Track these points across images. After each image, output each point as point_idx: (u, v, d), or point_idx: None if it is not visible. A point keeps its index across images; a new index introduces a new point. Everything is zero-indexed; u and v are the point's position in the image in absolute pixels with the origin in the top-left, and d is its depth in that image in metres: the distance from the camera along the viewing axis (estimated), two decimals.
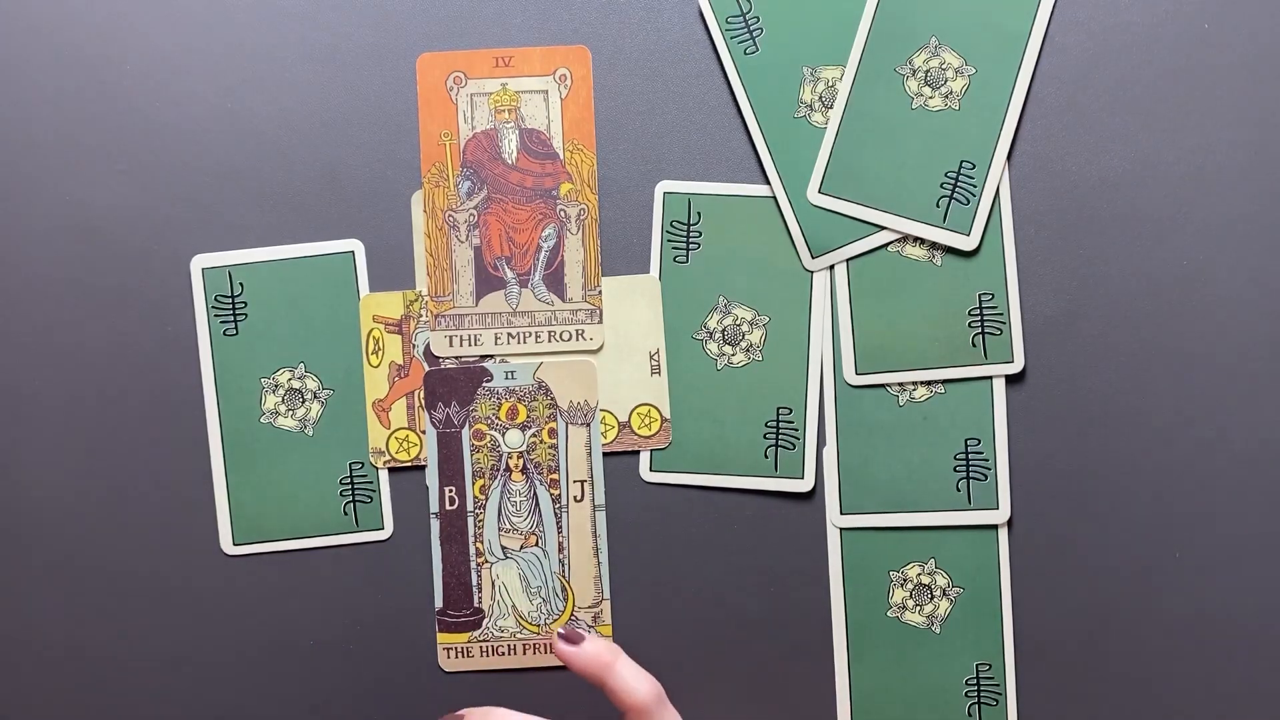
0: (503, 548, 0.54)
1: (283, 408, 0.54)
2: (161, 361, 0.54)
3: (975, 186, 0.53)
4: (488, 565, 0.54)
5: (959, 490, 0.53)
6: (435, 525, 0.54)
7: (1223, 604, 0.53)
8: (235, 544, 0.54)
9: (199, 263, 0.54)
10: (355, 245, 0.54)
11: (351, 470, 0.54)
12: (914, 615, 0.54)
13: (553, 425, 0.54)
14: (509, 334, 0.54)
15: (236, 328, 0.54)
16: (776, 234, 0.54)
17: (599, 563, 0.54)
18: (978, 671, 0.54)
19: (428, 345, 0.54)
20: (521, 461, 0.54)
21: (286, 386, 0.54)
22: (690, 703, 0.54)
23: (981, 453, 0.53)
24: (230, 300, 0.54)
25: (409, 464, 0.54)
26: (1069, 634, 0.54)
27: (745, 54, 0.54)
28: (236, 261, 0.54)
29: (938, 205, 0.53)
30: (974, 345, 0.53)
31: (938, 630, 0.54)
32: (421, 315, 0.54)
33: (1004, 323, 0.53)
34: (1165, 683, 0.53)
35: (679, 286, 0.54)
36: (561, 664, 0.54)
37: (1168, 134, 0.53)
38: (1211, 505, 0.53)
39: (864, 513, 0.54)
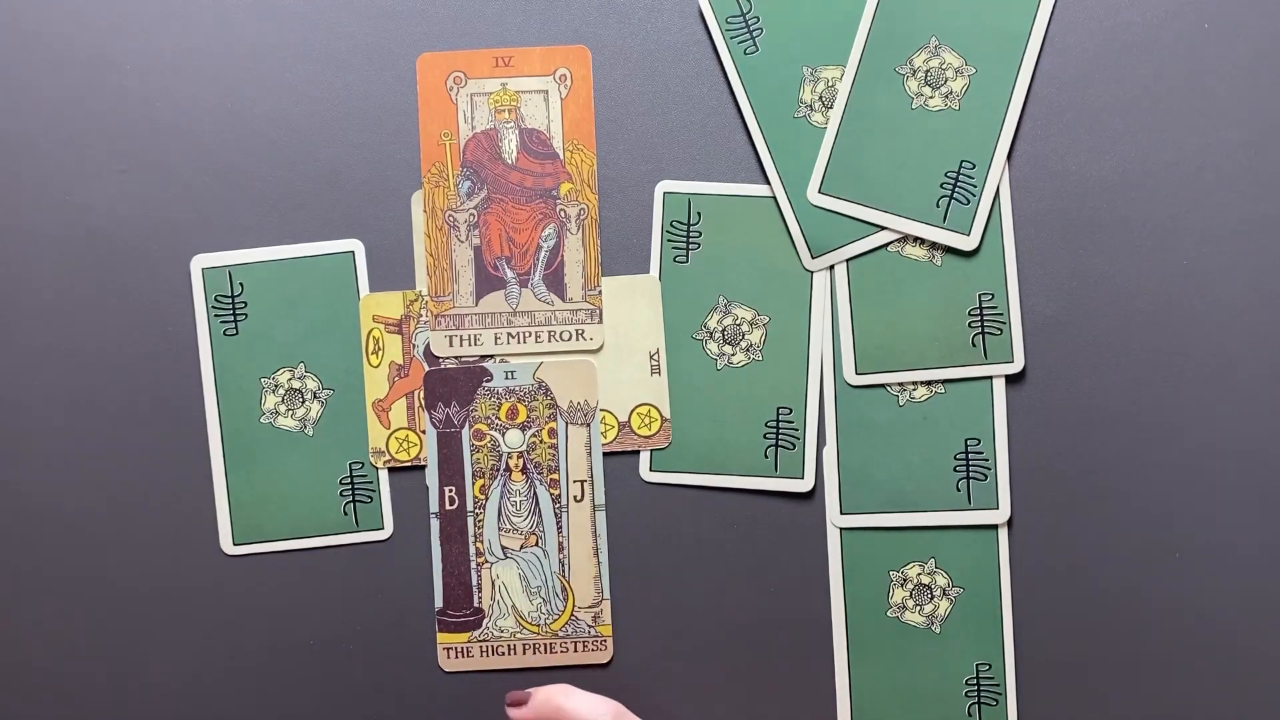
0: (503, 548, 0.54)
1: (283, 408, 0.54)
2: (161, 361, 0.54)
3: (975, 186, 0.53)
4: (488, 565, 0.54)
5: (959, 490, 0.53)
6: (435, 525, 0.54)
7: (1222, 604, 0.53)
8: (235, 544, 0.54)
9: (199, 263, 0.54)
10: (355, 245, 0.54)
11: (351, 470, 0.54)
12: (914, 615, 0.54)
13: (553, 425, 0.54)
14: (509, 334, 0.54)
15: (236, 328, 0.54)
16: (776, 234, 0.54)
17: (599, 563, 0.54)
18: (978, 671, 0.54)
19: (428, 345, 0.54)
20: (521, 461, 0.54)
21: (286, 386, 0.54)
22: (690, 703, 0.54)
23: (981, 453, 0.53)
24: (230, 300, 0.54)
25: (409, 464, 0.54)
26: (1069, 634, 0.54)
27: (745, 54, 0.54)
28: (236, 261, 0.54)
29: (938, 205, 0.53)
30: (974, 345, 0.53)
31: (938, 630, 0.54)
32: (421, 315, 0.54)
33: (1004, 323, 0.53)
34: (1165, 683, 0.53)
35: (679, 286, 0.54)
36: (564, 664, 0.54)
37: (1168, 134, 0.53)
38: (1211, 505, 0.53)
39: (864, 513, 0.54)
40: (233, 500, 0.54)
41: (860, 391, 0.54)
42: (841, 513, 0.54)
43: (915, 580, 0.54)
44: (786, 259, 0.54)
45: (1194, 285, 0.53)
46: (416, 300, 0.54)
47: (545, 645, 0.54)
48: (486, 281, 0.54)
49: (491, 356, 0.54)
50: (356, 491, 0.54)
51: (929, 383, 0.54)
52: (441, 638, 0.54)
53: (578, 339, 0.54)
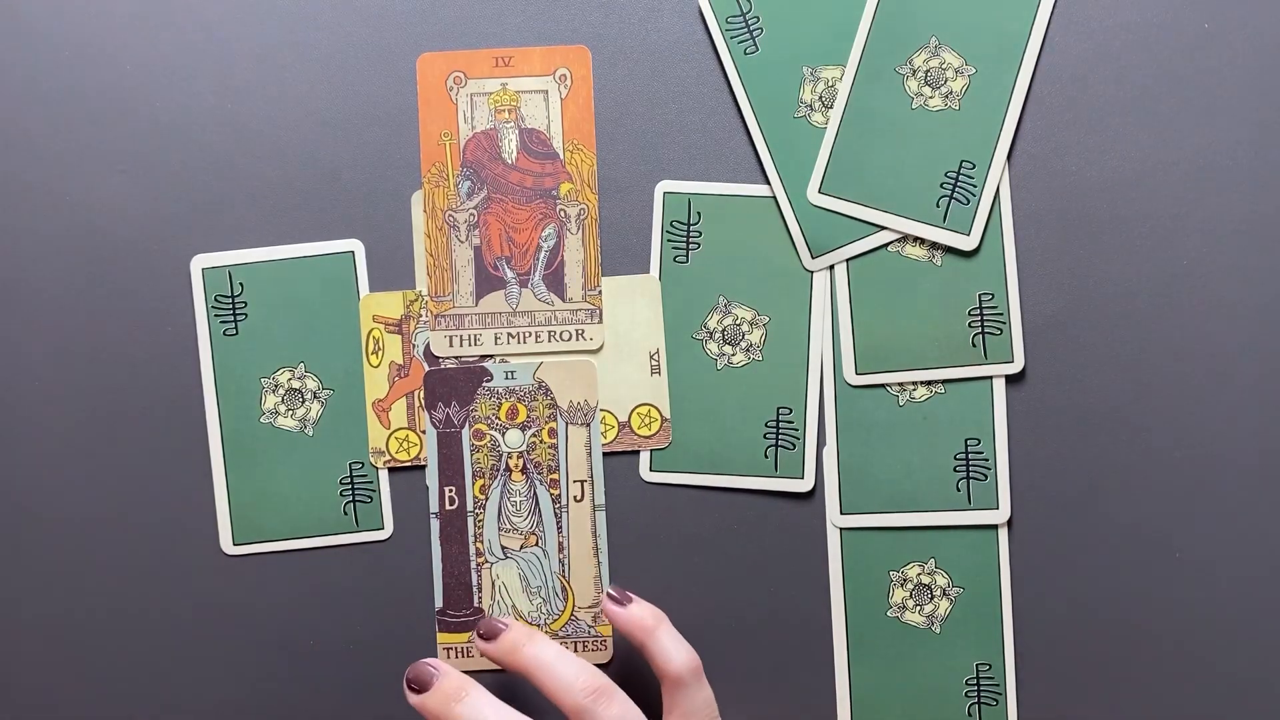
0: (503, 548, 0.54)
1: (283, 408, 0.54)
2: (161, 361, 0.54)
3: (975, 186, 0.53)
4: (488, 565, 0.54)
5: (959, 490, 0.53)
6: (435, 525, 0.54)
7: (1222, 604, 0.53)
8: (235, 544, 0.54)
9: (199, 263, 0.54)
10: (355, 245, 0.54)
11: (351, 470, 0.54)
12: (914, 615, 0.54)
13: (553, 425, 0.54)
14: (509, 334, 0.54)
15: (236, 328, 0.54)
16: (776, 234, 0.54)
17: (599, 563, 0.54)
18: (978, 671, 0.54)
19: (428, 345, 0.54)
20: (521, 461, 0.54)
21: (286, 386, 0.54)
22: None
23: (981, 453, 0.53)
24: (230, 300, 0.54)
25: (409, 464, 0.54)
26: (1069, 634, 0.54)
27: (745, 54, 0.54)
28: (236, 261, 0.54)
29: (938, 205, 0.53)
30: (974, 345, 0.53)
31: (938, 630, 0.54)
32: (421, 315, 0.54)
33: (1004, 323, 0.53)
34: (1165, 683, 0.53)
35: (679, 286, 0.54)
36: None
37: (1168, 134, 0.53)
38: (1211, 505, 0.53)
39: (864, 513, 0.54)
40: (233, 500, 0.54)
41: (860, 391, 0.54)
42: (841, 513, 0.54)
43: (915, 580, 0.54)
44: (786, 259, 0.54)
45: (1194, 285, 0.53)
46: (416, 300, 0.54)
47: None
48: (486, 281, 0.54)
49: (491, 356, 0.54)
50: (356, 491, 0.54)
51: (929, 383, 0.54)
52: (441, 638, 0.54)
53: (578, 339, 0.54)
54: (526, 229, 0.54)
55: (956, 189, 0.53)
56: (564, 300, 0.54)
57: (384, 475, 0.54)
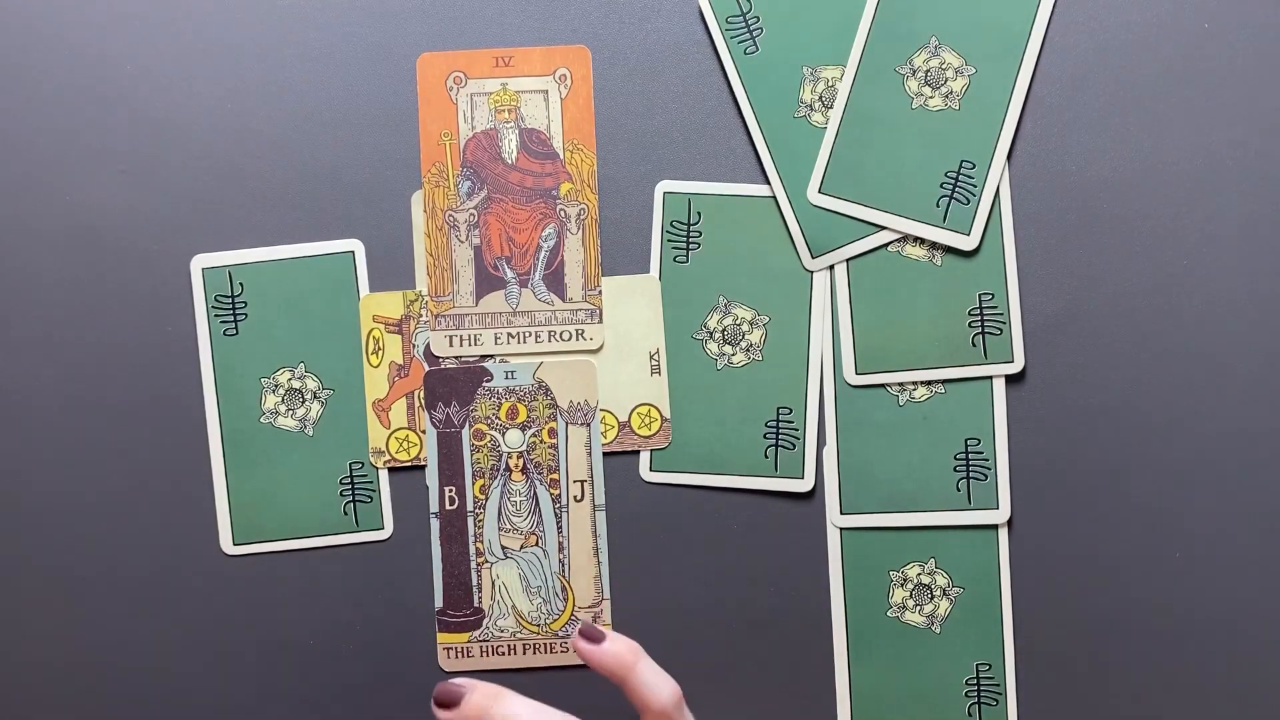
0: (503, 547, 0.54)
1: (283, 408, 0.54)
2: (161, 361, 0.54)
3: (975, 186, 0.53)
4: (488, 565, 0.54)
5: (959, 490, 0.53)
6: (435, 525, 0.54)
7: (1223, 604, 0.53)
8: (235, 544, 0.54)
9: (199, 263, 0.54)
10: (355, 245, 0.54)
11: (351, 470, 0.54)
12: (914, 615, 0.54)
13: (553, 425, 0.54)
14: (509, 334, 0.54)
15: (236, 328, 0.54)
16: (776, 234, 0.54)
17: (599, 563, 0.54)
18: (978, 671, 0.54)
19: (428, 345, 0.54)
20: (521, 461, 0.54)
21: (286, 386, 0.54)
22: (690, 702, 0.54)
23: (981, 453, 0.53)
24: (230, 300, 0.54)
25: (409, 464, 0.54)
26: (1069, 634, 0.54)
27: (745, 54, 0.54)
28: (236, 261, 0.54)
29: (938, 205, 0.53)
30: (974, 345, 0.53)
31: (938, 630, 0.54)
32: (421, 315, 0.54)
33: (1004, 323, 0.53)
34: (1165, 683, 0.53)
35: (679, 286, 0.54)
36: (564, 664, 0.54)
37: (1168, 134, 0.53)
38: (1211, 505, 0.53)
39: (864, 512, 0.54)
40: (232, 500, 0.54)
41: (860, 391, 0.54)
42: (841, 513, 0.54)
43: (915, 580, 0.54)
44: (786, 259, 0.54)
45: (1194, 285, 0.53)
46: (416, 300, 0.54)
47: (545, 645, 0.54)
48: (486, 281, 0.54)
49: (491, 356, 0.54)
50: (356, 491, 0.54)
51: (929, 383, 0.54)
52: (441, 638, 0.54)
53: (578, 339, 0.54)
54: (526, 229, 0.54)
55: (956, 189, 0.53)
56: (564, 300, 0.54)
57: (384, 475, 0.54)
